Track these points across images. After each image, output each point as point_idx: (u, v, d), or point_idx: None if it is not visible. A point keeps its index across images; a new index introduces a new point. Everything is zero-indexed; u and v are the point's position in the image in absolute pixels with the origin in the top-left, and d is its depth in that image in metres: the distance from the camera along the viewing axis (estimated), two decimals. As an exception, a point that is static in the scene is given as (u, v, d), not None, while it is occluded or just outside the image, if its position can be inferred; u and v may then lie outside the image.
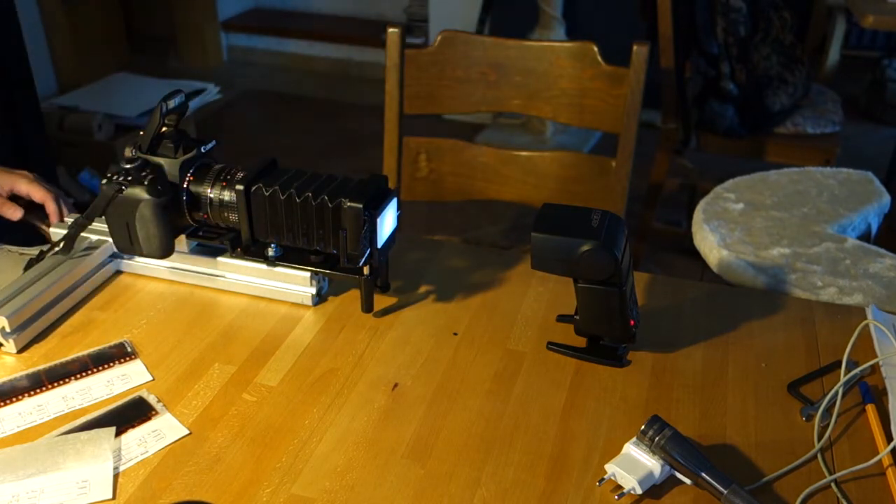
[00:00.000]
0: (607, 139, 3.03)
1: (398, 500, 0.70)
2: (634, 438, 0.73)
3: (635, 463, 0.71)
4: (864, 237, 1.37)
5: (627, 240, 0.84)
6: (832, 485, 0.72)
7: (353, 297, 0.96)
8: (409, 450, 0.76)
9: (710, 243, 1.28)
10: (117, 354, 0.87)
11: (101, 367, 0.85)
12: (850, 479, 0.73)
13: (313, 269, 0.93)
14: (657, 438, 0.71)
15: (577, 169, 1.42)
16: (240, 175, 0.91)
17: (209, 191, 0.91)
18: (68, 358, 0.86)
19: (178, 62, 3.98)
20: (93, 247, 0.98)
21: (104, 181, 0.89)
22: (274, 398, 0.82)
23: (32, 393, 0.81)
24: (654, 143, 2.19)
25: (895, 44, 3.61)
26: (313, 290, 0.95)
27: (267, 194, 0.88)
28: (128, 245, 0.92)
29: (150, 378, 0.84)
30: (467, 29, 1.64)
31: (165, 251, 0.92)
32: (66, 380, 0.83)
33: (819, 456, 0.75)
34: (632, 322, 0.85)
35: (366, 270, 0.90)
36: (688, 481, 0.71)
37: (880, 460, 0.74)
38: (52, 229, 1.02)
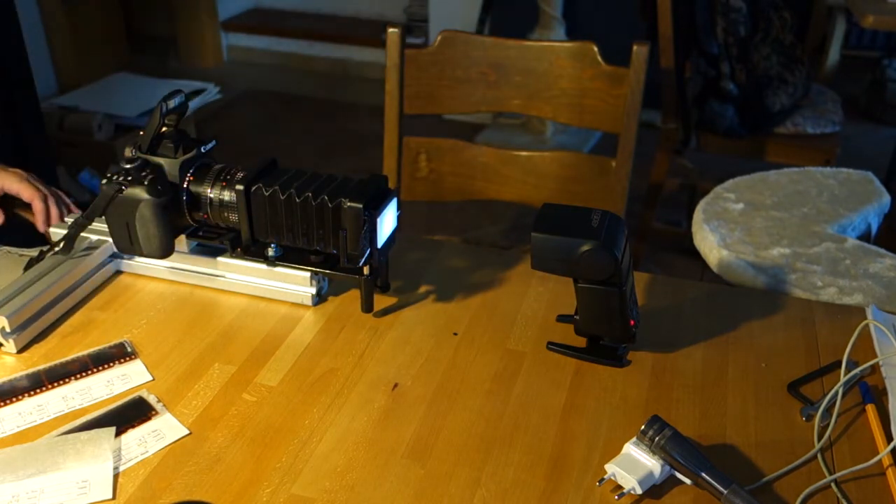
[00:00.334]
0: (607, 139, 3.03)
1: (398, 500, 0.70)
2: (634, 438, 0.73)
3: (635, 463, 0.71)
4: (864, 237, 1.37)
5: (627, 240, 0.84)
6: (832, 485, 0.72)
7: (353, 297, 0.96)
8: (409, 450, 0.76)
9: (710, 243, 1.28)
10: (117, 354, 0.87)
11: (101, 367, 0.85)
12: (850, 479, 0.73)
13: (313, 269, 0.93)
14: (657, 438, 0.71)
15: (577, 169, 1.42)
16: (240, 175, 0.91)
17: (209, 191, 0.91)
18: (68, 358, 0.86)
19: (178, 62, 3.98)
20: (93, 247, 0.98)
21: (104, 181, 0.89)
22: (274, 398, 0.82)
23: (32, 393, 0.81)
24: (654, 143, 2.19)
25: (895, 44, 3.61)
26: (313, 290, 0.95)
27: (267, 194, 0.88)
28: (128, 245, 0.92)
29: (150, 378, 0.84)
30: (467, 29, 1.64)
31: (165, 251, 0.92)
32: (66, 380, 0.83)
33: (819, 456, 0.75)
34: (632, 322, 0.85)
35: (366, 270, 0.90)
36: (688, 481, 0.71)
37: (880, 460, 0.74)
38: (52, 229, 1.02)
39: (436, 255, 1.06)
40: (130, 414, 0.79)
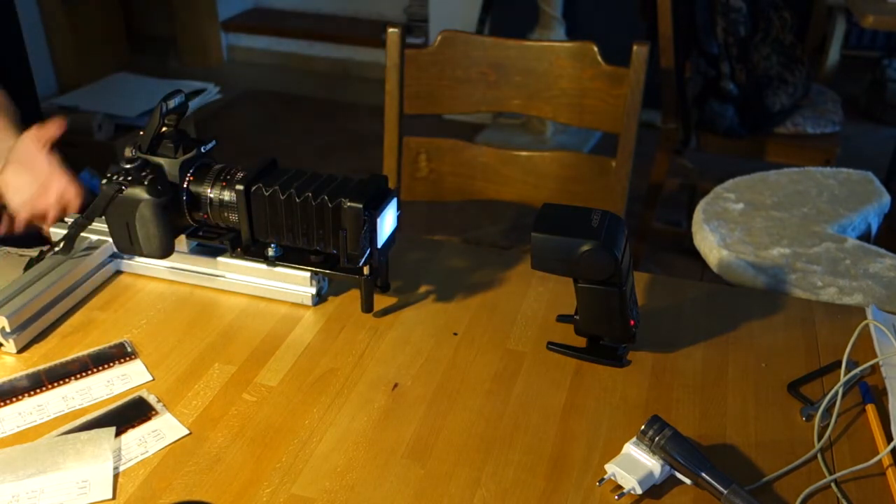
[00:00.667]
0: (607, 139, 3.03)
1: (398, 500, 0.70)
2: (634, 438, 0.73)
3: (635, 463, 0.71)
4: (864, 237, 1.37)
5: (627, 240, 0.84)
6: (832, 485, 0.72)
7: (353, 297, 0.96)
8: (409, 450, 0.76)
9: (710, 243, 1.28)
10: (117, 354, 0.87)
11: (101, 367, 0.85)
12: (850, 479, 0.73)
13: (313, 269, 0.93)
14: (657, 438, 0.71)
15: (577, 169, 1.42)
16: (240, 175, 0.91)
17: (209, 191, 0.91)
18: (68, 358, 0.86)
19: (178, 62, 3.98)
20: (93, 247, 0.98)
21: (104, 181, 0.89)
22: (274, 398, 0.82)
23: (32, 393, 0.81)
24: (654, 143, 2.19)
25: (895, 44, 3.61)
26: (313, 290, 0.95)
27: (267, 194, 0.88)
28: (128, 245, 0.92)
29: (150, 378, 0.84)
30: (467, 29, 1.64)
31: (165, 251, 0.92)
32: (66, 380, 0.83)
33: (819, 456, 0.75)
34: (632, 322, 0.85)
35: (366, 270, 0.90)
36: (688, 481, 0.71)
37: (880, 460, 0.74)
38: (52, 229, 1.02)
39: (436, 255, 1.06)
40: (130, 414, 0.79)
